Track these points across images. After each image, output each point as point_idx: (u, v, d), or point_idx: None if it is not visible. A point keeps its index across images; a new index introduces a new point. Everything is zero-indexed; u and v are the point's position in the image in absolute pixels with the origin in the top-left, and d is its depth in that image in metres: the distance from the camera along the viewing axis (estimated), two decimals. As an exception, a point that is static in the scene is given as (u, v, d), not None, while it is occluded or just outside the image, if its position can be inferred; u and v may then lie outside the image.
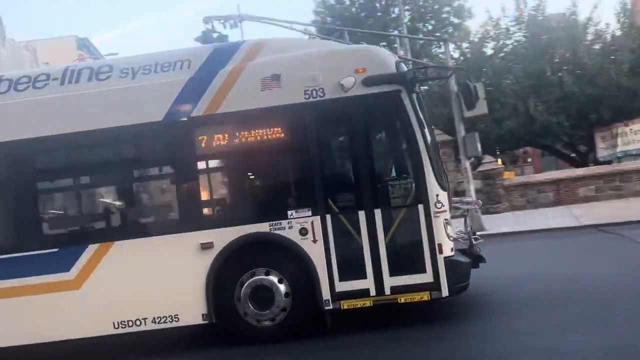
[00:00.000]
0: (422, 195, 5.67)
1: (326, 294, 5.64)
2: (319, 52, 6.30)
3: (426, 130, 5.79)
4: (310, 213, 5.68)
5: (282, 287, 5.69)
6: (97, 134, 5.89)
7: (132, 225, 6.18)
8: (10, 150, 5.90)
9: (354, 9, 29.26)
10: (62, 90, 5.99)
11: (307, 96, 5.76)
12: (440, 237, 5.62)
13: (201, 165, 6.08)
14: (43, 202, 6.29)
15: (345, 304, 5.65)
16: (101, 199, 6.43)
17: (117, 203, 6.41)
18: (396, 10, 26.13)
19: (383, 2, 29.10)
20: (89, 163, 6.29)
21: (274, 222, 5.68)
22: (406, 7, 25.42)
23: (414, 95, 5.78)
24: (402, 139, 5.98)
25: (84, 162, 6.31)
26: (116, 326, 5.80)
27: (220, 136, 5.90)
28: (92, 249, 5.82)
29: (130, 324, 5.80)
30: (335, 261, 5.65)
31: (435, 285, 5.60)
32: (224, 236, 5.69)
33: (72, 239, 6.15)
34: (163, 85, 5.89)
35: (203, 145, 5.91)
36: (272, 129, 5.89)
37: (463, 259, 5.95)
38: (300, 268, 5.67)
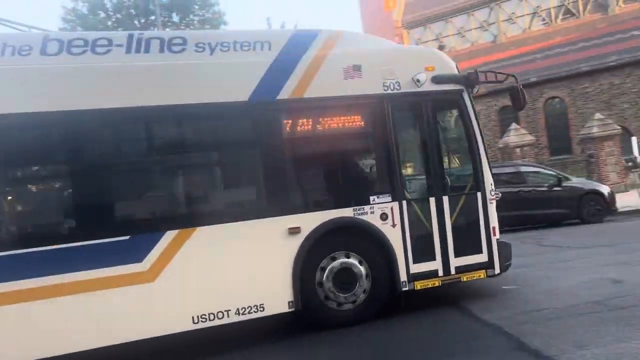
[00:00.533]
0: (479, 184, 6.22)
1: (403, 276, 5.88)
2: (394, 48, 6.70)
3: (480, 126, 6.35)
4: (390, 199, 5.89)
5: (363, 270, 5.82)
6: (176, 110, 5.42)
7: (215, 210, 5.67)
8: (69, 121, 5.11)
9: (109, 23, 27.07)
10: (129, 59, 5.38)
11: (385, 88, 6.00)
12: (494, 221, 6.22)
13: (288, 148, 5.88)
14: (109, 183, 5.43)
15: (419, 285, 5.93)
16: (179, 181, 5.79)
17: (198, 185, 5.88)
18: (155, 30, 23.17)
19: (142, 20, 27.36)
20: (163, 140, 5.69)
21: (358, 207, 5.81)
22: (167, 29, 24.80)
23: (472, 95, 6.34)
24: (463, 133, 6.35)
25: (157, 139, 5.67)
26: (195, 321, 5.29)
27: (305, 121, 5.85)
28: (170, 235, 5.24)
29: (212, 317, 5.33)
30: (410, 245, 5.93)
31: (489, 264, 6.17)
32: (310, 221, 5.64)
33: (146, 225, 5.37)
34: (248, 64, 5.67)
35: (289, 128, 5.80)
36: (354, 117, 6.02)
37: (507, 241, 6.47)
38: (380, 251, 5.86)
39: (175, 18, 28.81)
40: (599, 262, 7.80)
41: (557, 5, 29.37)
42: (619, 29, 26.22)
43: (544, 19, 29.97)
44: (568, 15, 29.34)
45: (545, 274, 7.33)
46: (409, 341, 5.17)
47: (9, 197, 5.24)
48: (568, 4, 29.05)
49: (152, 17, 25.41)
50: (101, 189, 5.28)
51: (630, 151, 19.74)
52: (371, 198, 5.84)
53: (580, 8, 28.90)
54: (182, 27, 27.69)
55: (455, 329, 5.38)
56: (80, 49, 5.24)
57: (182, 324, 5.25)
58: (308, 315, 5.68)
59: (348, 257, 5.80)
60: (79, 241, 4.97)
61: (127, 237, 5.13)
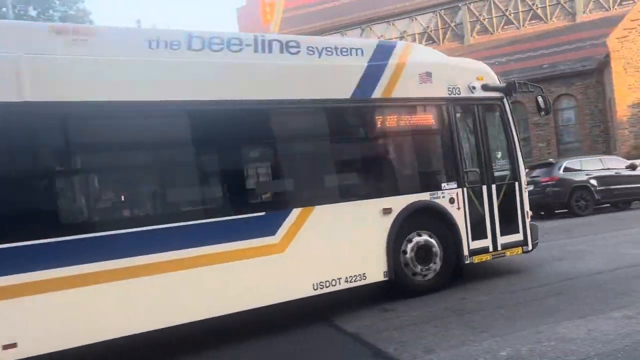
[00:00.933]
0: (517, 175, 7.46)
1: (465, 251, 6.93)
2: (455, 59, 8.04)
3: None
4: (456, 186, 6.96)
5: (437, 246, 6.77)
6: (294, 104, 6.16)
7: (328, 191, 6.40)
8: (219, 110, 5.73)
9: None
10: (256, 57, 6.03)
11: (449, 92, 7.08)
12: (527, 206, 7.49)
13: (380, 141, 6.83)
14: (250, 165, 6.22)
15: (475, 259, 7.00)
16: (301, 164, 6.46)
17: (314, 169, 6.51)
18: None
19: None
20: (288, 131, 6.35)
21: (433, 192, 6.80)
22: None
23: (509, 102, 7.61)
24: (504, 133, 7.54)
25: (283, 130, 6.28)
26: (315, 288, 5.99)
27: (392, 117, 6.76)
28: (295, 213, 5.91)
29: (327, 284, 6.05)
30: (470, 225, 6.97)
31: (524, 242, 7.40)
32: (399, 203, 6.55)
33: (278, 202, 6.04)
34: (348, 67, 6.49)
35: (380, 124, 6.71)
36: (427, 116, 7.09)
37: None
38: (449, 230, 6.86)
39: (33, 12, 26.54)
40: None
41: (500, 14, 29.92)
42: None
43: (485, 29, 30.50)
44: (535, 20, 30.02)
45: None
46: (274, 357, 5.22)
47: (182, 177, 5.87)
48: (537, 8, 29.94)
49: (4, 9, 23.09)
50: (243, 169, 6.02)
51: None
52: (442, 185, 6.89)
53: (548, 13, 29.67)
54: (41, 22, 25.58)
55: (319, 341, 5.49)
56: (219, 46, 5.84)
57: (305, 291, 5.93)
58: (397, 284, 6.52)
59: (426, 235, 6.73)
60: (228, 216, 5.60)
61: (263, 213, 5.79)
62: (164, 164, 5.66)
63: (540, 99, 7.79)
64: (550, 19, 29.73)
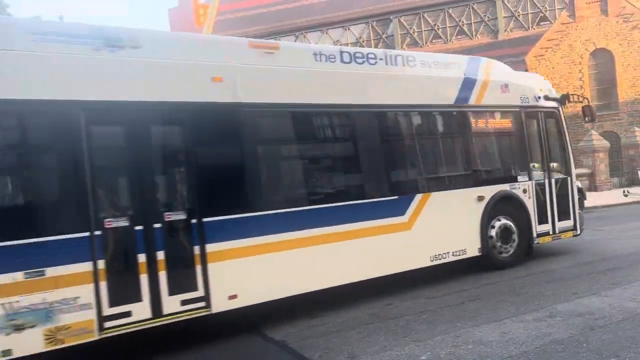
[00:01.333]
0: (569, 171, 9.06)
1: (534, 234, 8.43)
2: (523, 73, 10.07)
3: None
4: (527, 179, 8.44)
5: (515, 228, 8.22)
6: (417, 109, 7.58)
7: (440, 181, 7.68)
8: (365, 114, 7.01)
9: None
10: (388, 69, 7.28)
11: (521, 101, 8.60)
12: (576, 197, 9.02)
13: (475, 139, 8.12)
14: (387, 157, 7.26)
15: (541, 240, 8.52)
16: (420, 157, 7.55)
17: (430, 161, 7.71)
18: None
19: None
20: (413, 131, 7.60)
21: (511, 183, 8.26)
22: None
23: (563, 110, 9.29)
24: (559, 136, 9.10)
25: (408, 129, 7.57)
26: (432, 260, 7.29)
27: (482, 121, 8.26)
28: (418, 197, 7.20)
29: (440, 257, 7.36)
30: (537, 212, 8.48)
31: (574, 228, 8.97)
32: (489, 192, 7.99)
33: (407, 188, 7.25)
34: (451, 79, 7.89)
35: (473, 126, 8.11)
36: (506, 120, 8.55)
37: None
38: (523, 215, 8.33)
39: None
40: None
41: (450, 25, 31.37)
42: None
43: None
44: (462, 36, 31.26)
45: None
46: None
47: (346, 167, 7.05)
48: (463, 25, 31.10)
49: None
50: (385, 160, 7.20)
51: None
52: (518, 177, 8.35)
53: (473, 30, 30.93)
54: None
55: (246, 350, 5.47)
56: (361, 59, 7.06)
57: (424, 261, 7.21)
58: (486, 259, 7.92)
59: (506, 219, 8.15)
60: (374, 198, 6.86)
61: (396, 197, 7.02)
62: (340, 158, 7.05)
63: (587, 109, 9.48)
64: (475, 36, 31.18)
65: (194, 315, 5.44)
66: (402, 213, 7.00)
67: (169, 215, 5.38)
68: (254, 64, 6.08)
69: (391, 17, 32.22)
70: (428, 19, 31.74)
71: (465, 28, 31.36)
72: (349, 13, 32.38)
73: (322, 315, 6.28)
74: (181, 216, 5.44)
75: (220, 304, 5.56)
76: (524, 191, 8.34)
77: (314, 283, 6.24)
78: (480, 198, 7.88)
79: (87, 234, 4.87)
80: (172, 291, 5.30)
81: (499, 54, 28.93)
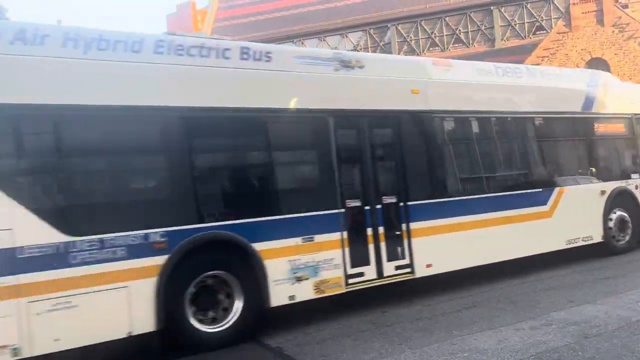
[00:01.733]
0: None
1: None
2: (627, 84, 11.49)
3: None
4: (638, 177, 9.82)
5: (629, 218, 9.48)
6: (555, 115, 8.96)
7: (572, 177, 9.06)
8: (518, 120, 8.55)
9: None
10: (521, 81, 8.75)
11: (632, 109, 10.10)
12: None
13: (597, 142, 9.58)
14: (536, 155, 8.74)
15: None
16: (558, 155, 9.15)
17: (566, 159, 9.29)
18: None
19: None
20: (545, 134, 8.87)
21: (626, 180, 9.65)
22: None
23: None
24: None
25: (537, 134, 8.77)
26: (567, 243, 8.58)
27: (602, 126, 9.69)
28: (556, 190, 8.58)
29: (573, 242, 8.64)
30: None
31: None
32: (609, 187, 9.31)
33: (548, 183, 8.61)
34: (578, 90, 9.37)
35: (596, 130, 9.52)
36: (621, 126, 10.02)
37: None
38: (635, 208, 9.59)
39: None
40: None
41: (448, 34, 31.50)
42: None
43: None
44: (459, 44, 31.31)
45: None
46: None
47: (496, 161, 8.30)
48: (459, 33, 31.19)
49: None
50: (524, 158, 8.66)
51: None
52: (631, 175, 9.76)
53: (470, 38, 30.99)
54: None
55: (242, 357, 5.46)
56: (504, 72, 8.70)
57: (560, 244, 8.51)
58: (605, 245, 9.10)
59: (621, 211, 9.39)
60: (525, 190, 8.32)
61: (540, 190, 8.44)
62: (505, 154, 8.36)
63: None
64: (472, 44, 31.32)
65: (403, 279, 6.92)
66: (545, 203, 8.42)
67: (386, 198, 6.91)
68: (438, 79, 7.65)
69: (388, 25, 32.34)
70: (425, 27, 31.87)
71: (462, 36, 31.49)
72: (346, 20, 32.51)
73: (318, 322, 6.24)
74: (393, 200, 6.97)
75: (420, 271, 7.00)
76: (636, 187, 9.72)
77: (483, 258, 7.56)
78: (603, 192, 9.20)
79: (341, 210, 6.46)
80: (389, 258, 6.83)
81: (495, 62, 29.07)
